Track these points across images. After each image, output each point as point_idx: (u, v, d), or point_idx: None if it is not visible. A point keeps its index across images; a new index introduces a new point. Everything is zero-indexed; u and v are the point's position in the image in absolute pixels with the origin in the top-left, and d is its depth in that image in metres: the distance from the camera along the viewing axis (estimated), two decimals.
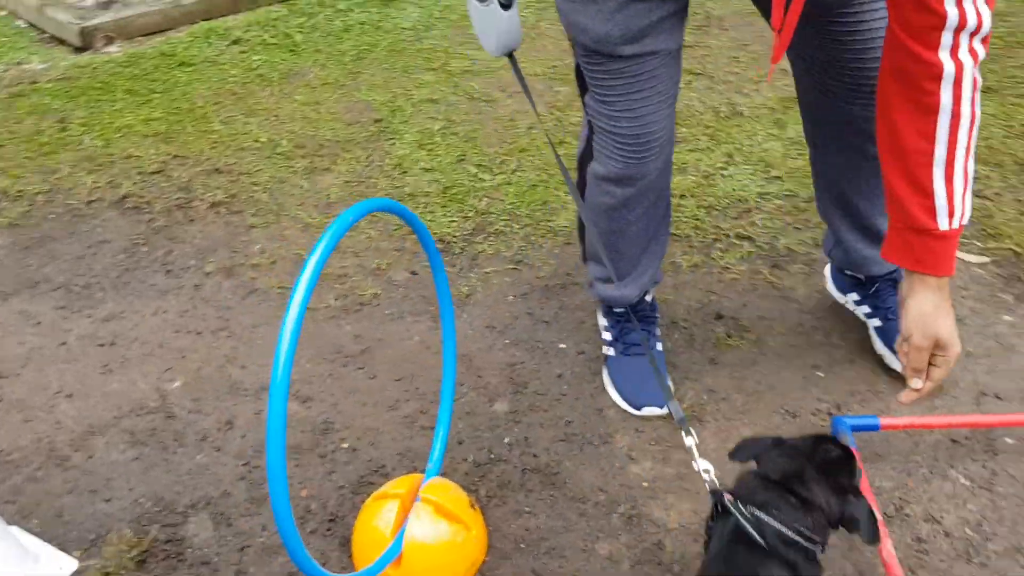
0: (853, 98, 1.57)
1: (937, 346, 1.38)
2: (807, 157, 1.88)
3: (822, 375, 1.90)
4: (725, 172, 2.51)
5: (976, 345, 1.91)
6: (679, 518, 1.64)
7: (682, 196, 2.43)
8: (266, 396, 1.96)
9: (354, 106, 3.07)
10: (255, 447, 1.83)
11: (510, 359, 2.00)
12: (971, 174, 1.30)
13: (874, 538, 1.23)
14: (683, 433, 1.42)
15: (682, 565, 1.56)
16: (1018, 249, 2.16)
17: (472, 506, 1.59)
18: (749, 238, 2.28)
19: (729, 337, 2.00)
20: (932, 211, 1.31)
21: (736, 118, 2.76)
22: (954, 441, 1.73)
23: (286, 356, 1.07)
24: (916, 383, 1.43)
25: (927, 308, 1.36)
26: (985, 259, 2.15)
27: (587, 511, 1.66)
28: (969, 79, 1.24)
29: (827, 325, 2.01)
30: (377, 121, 2.96)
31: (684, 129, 2.73)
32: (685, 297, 2.12)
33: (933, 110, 1.26)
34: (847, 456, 1.29)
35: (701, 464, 1.37)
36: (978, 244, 2.20)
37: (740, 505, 1.22)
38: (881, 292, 1.90)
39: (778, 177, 2.47)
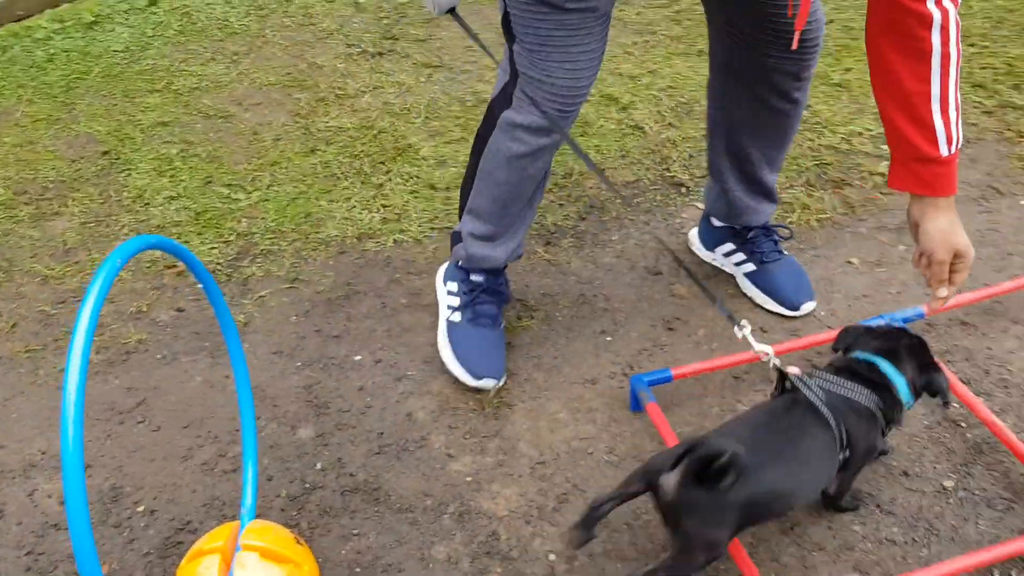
0: (770, 49, 1.74)
1: (956, 256, 1.52)
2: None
3: (610, 339, 1.98)
4: None
5: (736, 286, 2.08)
6: (507, 504, 1.65)
7: (448, 189, 2.44)
8: (36, 474, 1.74)
9: (75, 140, 2.80)
10: (37, 531, 1.62)
11: (305, 381, 1.92)
12: (960, 104, 1.47)
13: (950, 400, 1.51)
14: (735, 327, 1.55)
15: (520, 550, 1.57)
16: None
17: (298, 541, 1.50)
18: None
19: (519, 320, 2.04)
20: (934, 141, 1.45)
21: (482, 106, 2.80)
22: (736, 378, 1.87)
23: (74, 422, 0.95)
24: (943, 292, 1.56)
25: (943, 225, 1.50)
26: None
27: (416, 519, 1.63)
28: (953, 23, 1.38)
29: (606, 292, 2.10)
30: (105, 153, 2.72)
31: (435, 123, 2.74)
32: None
33: (926, 54, 1.40)
34: (923, 342, 1.52)
35: (760, 348, 1.53)
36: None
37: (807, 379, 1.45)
38: (756, 239, 2.04)
39: None
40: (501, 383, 1.87)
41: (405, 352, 1.98)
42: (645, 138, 2.60)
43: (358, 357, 1.97)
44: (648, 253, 2.20)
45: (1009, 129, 2.51)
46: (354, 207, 2.40)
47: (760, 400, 1.80)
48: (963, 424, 1.73)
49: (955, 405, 1.70)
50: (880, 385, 1.46)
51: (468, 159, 1.87)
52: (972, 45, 2.86)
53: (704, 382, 1.86)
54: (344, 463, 1.74)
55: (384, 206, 2.41)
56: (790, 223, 2.26)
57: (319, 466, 1.73)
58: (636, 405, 1.80)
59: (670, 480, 1.33)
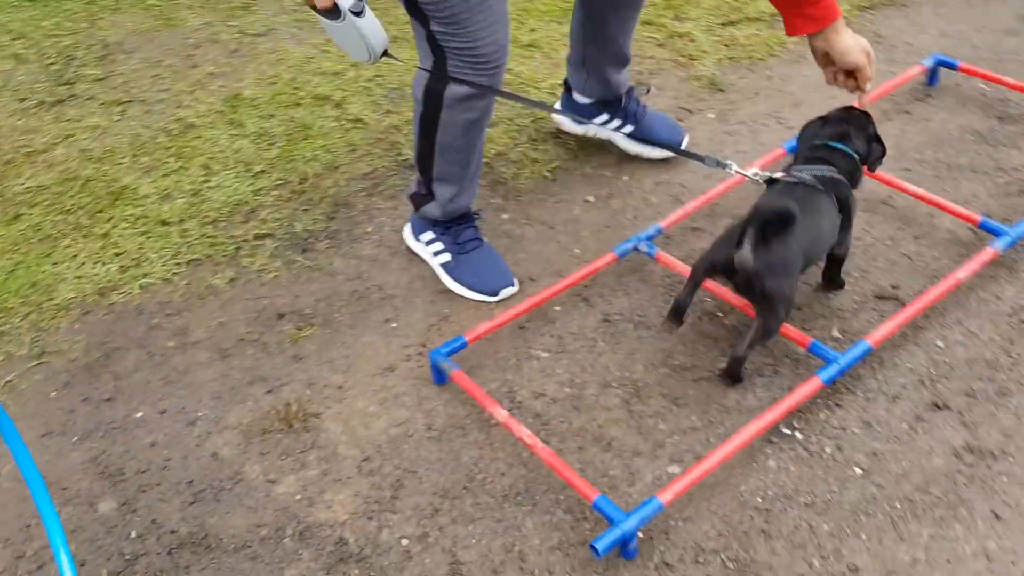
0: None
1: (867, 55, 1.78)
2: (280, 146, 1.96)
3: (395, 325, 2.01)
4: (211, 184, 2.45)
5: (497, 244, 2.18)
6: (345, 508, 1.63)
7: (181, 221, 2.32)
8: None
9: None
10: None
11: (89, 455, 1.76)
12: None
13: (878, 165, 1.95)
14: (724, 168, 1.78)
15: (371, 547, 1.57)
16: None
17: None
18: (268, 235, 2.27)
19: (300, 330, 2.00)
20: None
21: (191, 131, 2.68)
22: (521, 328, 1.97)
23: None
24: (869, 86, 1.83)
25: (848, 40, 1.75)
26: None
27: (257, 552, 1.57)
28: None
29: (377, 282, 2.12)
30: None
31: (145, 158, 2.58)
32: (238, 311, 2.06)
33: None
34: (867, 115, 1.90)
35: (752, 172, 1.82)
36: None
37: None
38: (627, 105, 2.36)
39: (263, 171, 2.48)
40: (517, 287, 2.05)
41: (189, 394, 1.88)
42: (368, 130, 2.63)
43: (139, 414, 1.84)
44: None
45: (680, 55, 2.82)
46: (84, 263, 2.22)
47: (549, 341, 1.92)
48: (720, 313, 1.95)
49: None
50: (845, 160, 1.84)
51: (418, 148, 1.98)
52: (727, 25, 3.17)
53: (495, 340, 1.94)
54: (160, 523, 1.63)
55: (117, 254, 2.24)
56: (525, 178, 2.40)
57: (134, 534, 1.61)
58: (440, 378, 1.85)
59: (745, 253, 1.63)
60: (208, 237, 2.27)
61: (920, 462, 1.61)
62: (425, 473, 1.69)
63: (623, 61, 2.29)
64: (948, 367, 1.77)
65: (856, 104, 1.89)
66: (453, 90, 1.82)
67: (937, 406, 1.70)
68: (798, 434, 1.69)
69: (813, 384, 1.68)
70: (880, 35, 2.79)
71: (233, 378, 1.91)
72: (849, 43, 1.76)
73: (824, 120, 1.92)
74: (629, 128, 2.38)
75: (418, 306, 2.04)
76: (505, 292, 2.04)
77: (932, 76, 2.56)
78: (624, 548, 1.50)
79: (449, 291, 2.07)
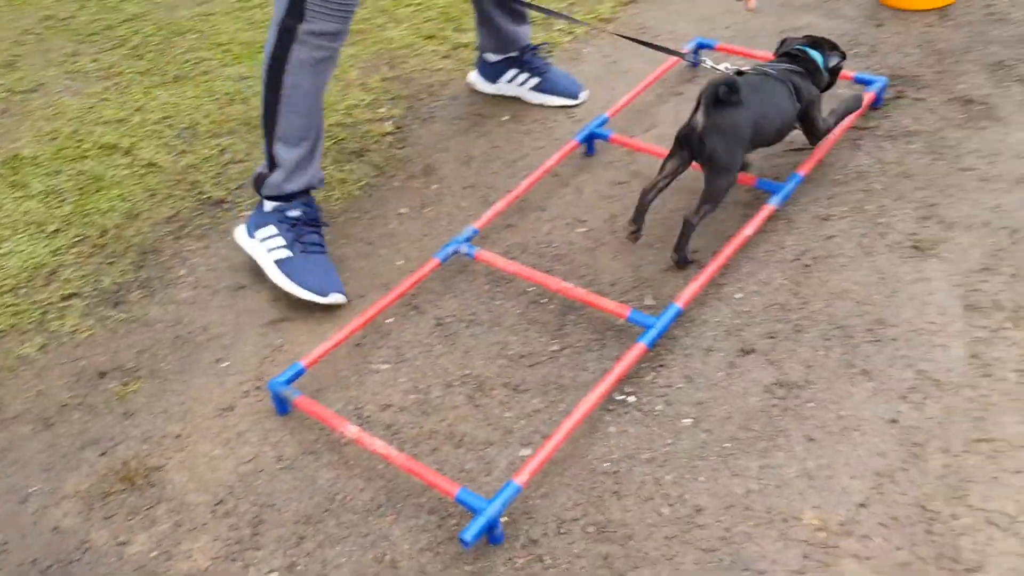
0: None
1: None
2: (73, 202, 1.95)
3: (227, 363, 1.98)
4: (2, 251, 2.30)
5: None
6: (204, 555, 1.60)
7: (12, 291, 2.17)
8: None
9: None
10: None
11: None
12: None
13: (836, 77, 2.29)
14: (703, 63, 2.15)
15: None
16: None
17: None
18: (74, 294, 2.17)
19: (126, 385, 1.94)
20: None
21: None
22: (358, 345, 1.99)
23: None
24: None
25: None
26: None
27: None
28: None
29: (200, 324, 2.07)
30: None
31: None
32: (56, 377, 1.96)
33: None
34: (833, 43, 2.25)
35: (722, 67, 2.08)
36: None
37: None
38: (531, 59, 2.67)
39: (58, 230, 2.36)
40: (346, 300, 2.09)
41: (16, 471, 1.78)
42: (164, 173, 2.56)
43: None
44: (223, 274, 2.21)
45: (467, 65, 2.92)
46: None
47: (387, 353, 1.95)
48: (544, 300, 2.06)
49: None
50: (806, 60, 2.18)
51: (264, 101, 2.03)
52: (409, 5, 3.25)
53: (333, 361, 1.95)
54: None
55: None
56: (336, 200, 2.42)
57: None
58: (283, 408, 1.84)
59: (698, 117, 1.94)
60: (9, 306, 2.14)
61: (739, 403, 1.78)
62: (283, 504, 1.68)
63: (516, 15, 2.59)
64: (749, 315, 1.96)
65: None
66: (305, 25, 1.93)
67: (745, 351, 1.87)
68: (631, 398, 1.81)
69: (638, 349, 1.81)
70: (645, 26, 3.01)
71: (62, 446, 1.82)
72: None
73: (802, 38, 2.30)
74: (536, 81, 2.69)
75: (248, 341, 2.02)
76: (335, 297, 2.07)
77: (695, 56, 2.79)
78: (491, 534, 1.56)
79: (279, 321, 2.06)
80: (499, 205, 2.25)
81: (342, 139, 2.62)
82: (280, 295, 2.11)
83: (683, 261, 2.07)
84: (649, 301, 2.02)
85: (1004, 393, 1.71)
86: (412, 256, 2.21)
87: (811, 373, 1.81)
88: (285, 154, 2.07)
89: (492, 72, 2.72)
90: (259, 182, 2.13)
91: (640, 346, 1.82)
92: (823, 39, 2.26)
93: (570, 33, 3.02)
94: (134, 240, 2.32)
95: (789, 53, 2.22)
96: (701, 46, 2.76)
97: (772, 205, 2.13)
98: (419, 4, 3.25)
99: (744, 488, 1.63)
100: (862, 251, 2.07)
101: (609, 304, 1.93)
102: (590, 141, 2.47)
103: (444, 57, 2.97)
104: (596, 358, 1.91)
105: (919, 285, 1.96)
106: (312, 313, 2.07)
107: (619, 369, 1.79)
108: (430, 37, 3.06)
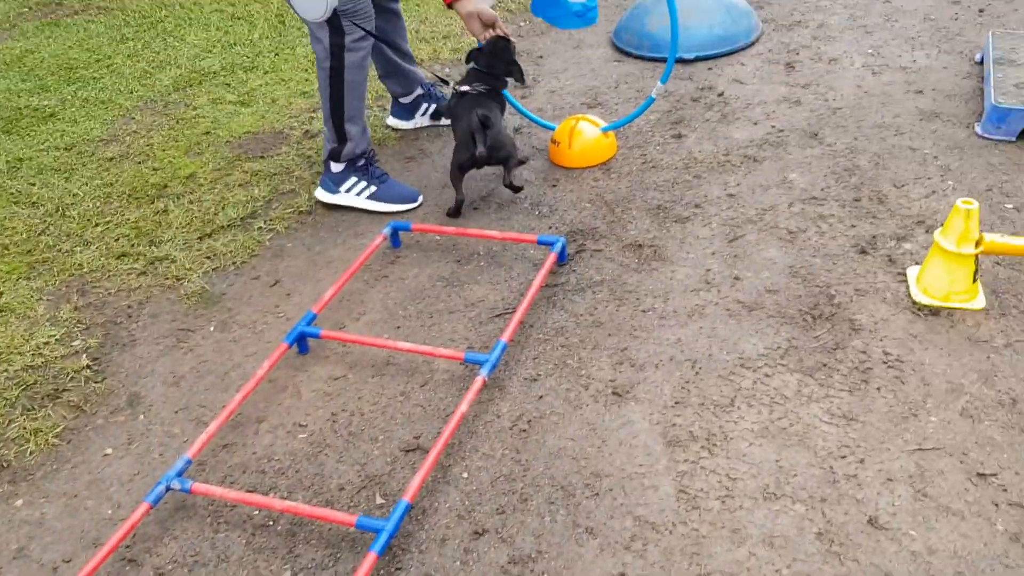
0: None
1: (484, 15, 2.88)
2: None
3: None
4: None
5: None
6: None
7: None
8: None
9: None
10: None
11: None
12: None
13: (521, 76, 3.00)
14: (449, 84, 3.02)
15: None
16: None
17: None
18: None
19: None
20: None
21: None
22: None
23: None
24: (502, 25, 2.93)
25: (481, 4, 2.81)
26: None
27: None
28: None
29: None
30: None
31: None
32: None
33: None
34: (507, 40, 2.94)
35: (452, 84, 2.97)
36: None
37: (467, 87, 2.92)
38: (434, 91, 3.54)
39: None
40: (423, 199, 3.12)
41: None
42: None
43: None
44: None
45: (166, 278, 2.84)
46: None
47: None
48: (271, 523, 1.98)
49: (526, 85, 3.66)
50: (492, 79, 2.94)
51: (330, 99, 2.90)
52: (98, 224, 3.13)
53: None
54: None
55: None
56: (31, 453, 2.21)
57: None
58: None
59: (481, 149, 2.78)
60: None
61: None
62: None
63: (409, 57, 3.39)
64: (477, 494, 1.99)
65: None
66: (348, 39, 2.79)
67: (478, 533, 1.89)
68: None
69: (370, 559, 1.77)
70: (343, 218, 3.10)
71: None
72: (482, 6, 2.80)
73: (479, 50, 2.97)
74: (435, 107, 3.56)
75: None
76: (419, 199, 3.10)
77: (394, 239, 2.91)
78: None
79: None
80: (212, 427, 2.16)
81: (32, 384, 2.43)
82: None
83: (515, 189, 3.00)
84: (379, 500, 2.00)
85: (711, 523, 1.85)
86: (123, 502, 2.06)
87: (541, 542, 1.86)
88: (354, 128, 2.96)
89: (408, 111, 3.56)
90: (335, 154, 3.01)
91: (371, 555, 1.78)
92: (500, 47, 2.92)
93: (271, 230, 3.04)
94: None
95: (481, 73, 2.95)
96: (397, 228, 2.88)
97: (482, 376, 2.21)
98: (108, 222, 3.15)
99: None
100: (571, 406, 2.19)
101: (336, 515, 1.88)
102: (301, 340, 2.46)
103: (141, 274, 2.87)
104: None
105: (624, 430, 2.10)
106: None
107: None
108: (123, 256, 2.95)
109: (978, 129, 3.18)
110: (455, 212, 2.96)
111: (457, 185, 2.92)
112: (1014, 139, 3.10)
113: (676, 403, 2.16)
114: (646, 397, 2.19)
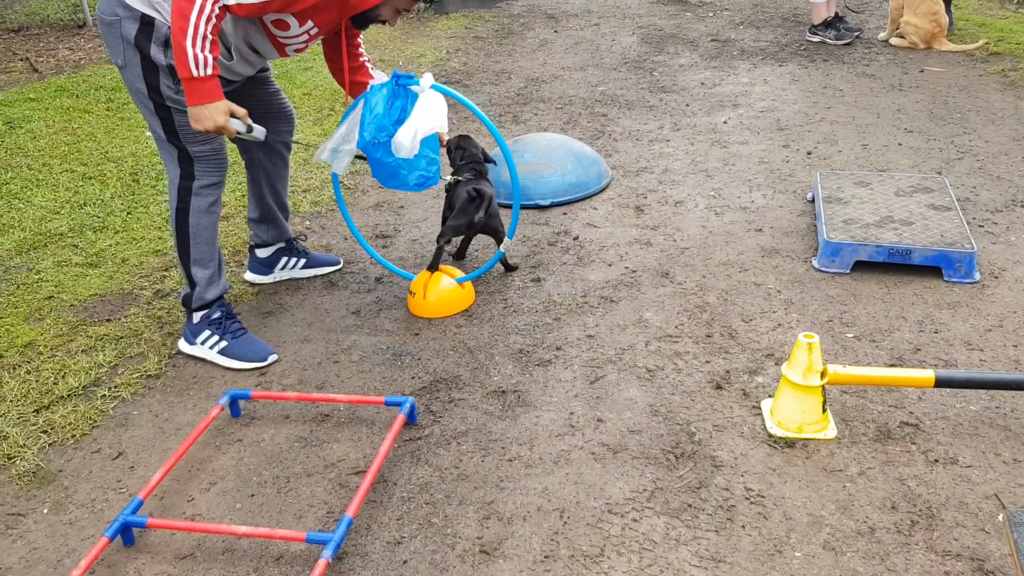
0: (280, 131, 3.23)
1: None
2: None
3: None
4: None
5: None
6: None
7: None
8: None
9: None
10: None
11: None
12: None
13: (491, 157, 3.59)
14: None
15: None
16: None
17: None
18: None
19: None
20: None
21: None
22: None
23: None
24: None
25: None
26: None
27: None
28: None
29: None
30: None
31: None
32: None
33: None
34: (468, 136, 3.49)
35: (450, 178, 3.41)
36: None
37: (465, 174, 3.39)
38: (296, 245, 3.52)
39: None
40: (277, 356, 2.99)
41: None
42: None
43: None
44: None
45: None
46: None
47: None
48: None
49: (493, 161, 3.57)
50: (477, 164, 3.39)
51: (177, 240, 2.90)
52: (40, 411, 2.88)
53: None
54: None
55: None
56: None
57: None
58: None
59: (481, 215, 3.19)
60: None
61: None
62: None
63: (286, 208, 3.44)
64: None
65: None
66: (197, 184, 2.82)
67: None
68: None
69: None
70: (196, 375, 2.96)
71: None
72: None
73: (459, 144, 3.42)
74: (304, 261, 3.53)
75: None
76: (271, 357, 2.98)
77: (234, 408, 2.74)
78: None
79: None
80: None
81: None
82: None
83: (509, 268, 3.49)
84: None
85: None
86: None
87: None
88: (200, 273, 2.93)
89: (266, 265, 3.50)
90: (187, 300, 2.99)
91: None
92: (466, 138, 3.44)
93: (116, 397, 2.86)
94: None
95: (469, 162, 3.38)
96: (236, 397, 2.73)
97: (325, 559, 2.03)
98: None
99: None
100: (437, 569, 2.08)
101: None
102: (125, 531, 2.23)
103: None
104: None
105: None
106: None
107: None
108: None
109: (815, 263, 3.38)
110: (434, 266, 3.23)
111: (442, 245, 3.23)
112: (848, 271, 3.31)
113: (545, 557, 2.09)
114: (514, 553, 2.11)
